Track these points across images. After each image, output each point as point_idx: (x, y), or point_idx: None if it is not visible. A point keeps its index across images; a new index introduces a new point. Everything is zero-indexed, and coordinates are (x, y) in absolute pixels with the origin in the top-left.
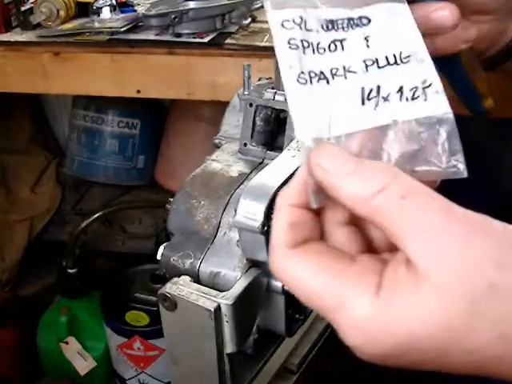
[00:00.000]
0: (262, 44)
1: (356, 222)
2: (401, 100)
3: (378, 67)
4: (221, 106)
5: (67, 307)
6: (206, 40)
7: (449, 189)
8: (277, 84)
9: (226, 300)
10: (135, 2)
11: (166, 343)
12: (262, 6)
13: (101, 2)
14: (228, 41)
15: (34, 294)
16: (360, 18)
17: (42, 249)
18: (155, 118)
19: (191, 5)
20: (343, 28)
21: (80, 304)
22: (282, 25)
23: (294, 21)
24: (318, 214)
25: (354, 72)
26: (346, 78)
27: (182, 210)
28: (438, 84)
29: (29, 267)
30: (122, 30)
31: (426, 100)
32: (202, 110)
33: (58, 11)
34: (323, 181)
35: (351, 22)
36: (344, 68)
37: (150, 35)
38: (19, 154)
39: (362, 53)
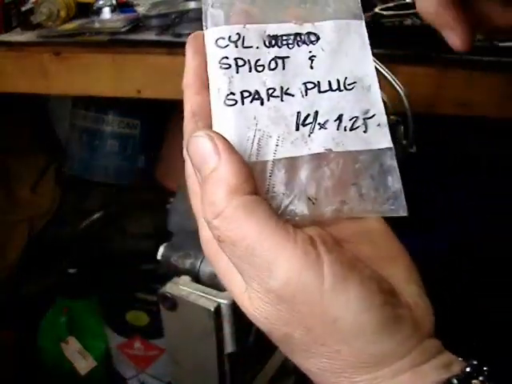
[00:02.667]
0: None
1: None
2: (338, 129)
3: (319, 91)
4: None
5: (67, 307)
6: None
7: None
8: None
9: (225, 300)
10: (135, 2)
11: (166, 343)
12: None
13: (101, 2)
14: None
15: (34, 294)
16: (308, 34)
17: (42, 249)
18: (155, 118)
19: (191, 5)
20: (288, 45)
21: (80, 304)
22: (216, 43)
23: (229, 38)
24: None
25: (292, 95)
26: (282, 100)
27: (182, 210)
28: (382, 116)
29: (29, 267)
30: (123, 30)
31: (365, 132)
32: None
33: (58, 11)
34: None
35: (298, 38)
36: (282, 89)
37: (151, 35)
38: (19, 153)
39: (304, 74)
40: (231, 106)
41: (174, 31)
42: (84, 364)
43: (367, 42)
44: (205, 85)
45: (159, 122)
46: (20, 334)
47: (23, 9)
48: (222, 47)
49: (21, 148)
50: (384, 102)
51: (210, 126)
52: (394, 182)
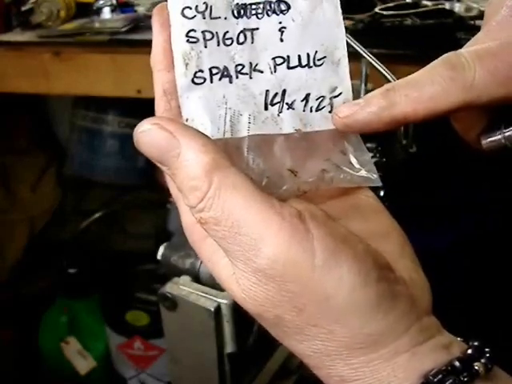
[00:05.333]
0: None
1: None
2: (304, 110)
3: (288, 67)
4: None
5: (67, 307)
6: None
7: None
8: None
9: (226, 300)
10: (136, 2)
11: (166, 343)
12: None
13: (101, 2)
14: None
15: (34, 294)
16: (279, 2)
17: (42, 249)
18: None
19: None
20: (257, 15)
21: (80, 304)
22: (182, 12)
23: (197, 8)
24: None
25: (261, 71)
26: (251, 77)
27: None
28: (348, 94)
29: (29, 267)
30: (123, 30)
31: (331, 112)
32: None
33: (58, 11)
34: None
35: (268, 6)
36: (251, 65)
37: (151, 35)
38: (19, 153)
39: (274, 48)
40: (200, 84)
41: None
42: (84, 364)
43: (340, 12)
44: None
45: None
46: (20, 333)
47: (23, 9)
48: (189, 18)
49: (21, 148)
50: None
51: None
52: (364, 155)
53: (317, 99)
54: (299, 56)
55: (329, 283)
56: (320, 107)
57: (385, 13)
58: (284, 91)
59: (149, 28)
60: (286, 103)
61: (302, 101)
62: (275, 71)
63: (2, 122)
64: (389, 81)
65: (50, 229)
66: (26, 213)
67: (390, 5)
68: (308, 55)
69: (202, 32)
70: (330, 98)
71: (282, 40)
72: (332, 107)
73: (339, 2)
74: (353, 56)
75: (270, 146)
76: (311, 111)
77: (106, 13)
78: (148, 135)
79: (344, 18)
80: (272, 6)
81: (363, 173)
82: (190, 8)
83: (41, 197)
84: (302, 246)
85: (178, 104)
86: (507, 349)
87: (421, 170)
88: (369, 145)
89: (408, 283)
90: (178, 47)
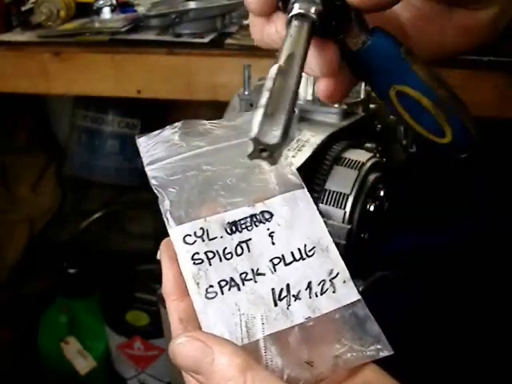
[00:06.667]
0: None
1: None
2: (310, 297)
3: (285, 264)
4: (221, 106)
5: (67, 307)
6: (206, 40)
7: None
8: None
9: None
10: (136, 2)
11: (166, 343)
12: None
13: (101, 2)
14: (228, 41)
15: (34, 294)
16: (262, 213)
17: (42, 249)
18: (155, 118)
19: (191, 5)
20: (247, 228)
21: (80, 304)
22: (184, 240)
23: (195, 234)
24: None
25: (263, 274)
26: (256, 281)
27: None
28: (345, 273)
29: (29, 267)
30: (123, 30)
31: (334, 292)
32: (202, 110)
33: (58, 11)
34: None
35: (254, 218)
36: (253, 271)
37: (151, 35)
38: (19, 153)
39: (269, 251)
40: (213, 298)
41: (173, 31)
42: (84, 364)
43: (314, 207)
44: (186, 290)
45: (159, 122)
46: (20, 333)
47: (23, 9)
48: (190, 244)
49: (21, 148)
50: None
51: (199, 328)
52: (373, 327)
53: (318, 284)
54: (292, 252)
55: None
56: (323, 290)
57: None
58: (288, 285)
59: (149, 28)
60: (293, 295)
61: (306, 289)
62: (275, 270)
63: (1, 121)
64: None
65: (49, 229)
66: (26, 213)
67: None
68: (299, 250)
69: (205, 253)
70: (330, 280)
71: (273, 243)
72: (335, 288)
73: (312, 200)
74: None
75: (285, 340)
76: (316, 296)
77: (106, 13)
78: (183, 346)
79: None
80: (257, 217)
81: (373, 347)
82: (190, 235)
83: (41, 197)
84: None
85: (193, 329)
86: (507, 349)
87: (421, 170)
88: (369, 145)
89: None
90: (187, 270)
